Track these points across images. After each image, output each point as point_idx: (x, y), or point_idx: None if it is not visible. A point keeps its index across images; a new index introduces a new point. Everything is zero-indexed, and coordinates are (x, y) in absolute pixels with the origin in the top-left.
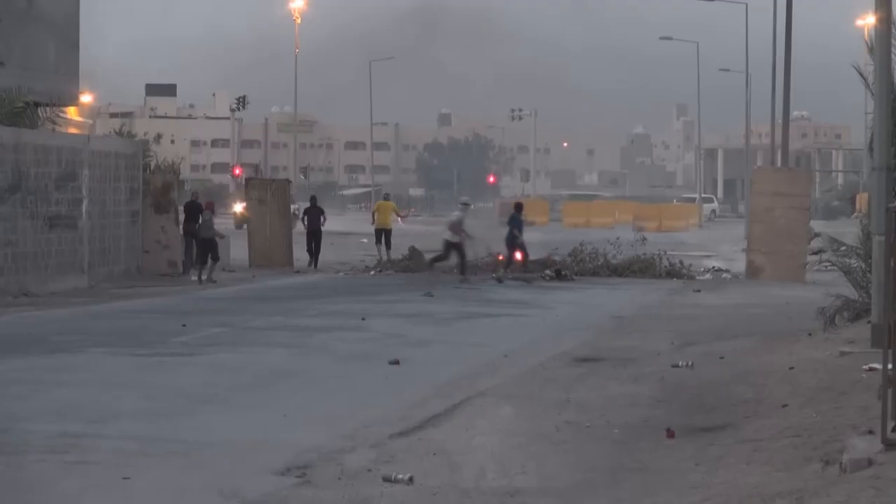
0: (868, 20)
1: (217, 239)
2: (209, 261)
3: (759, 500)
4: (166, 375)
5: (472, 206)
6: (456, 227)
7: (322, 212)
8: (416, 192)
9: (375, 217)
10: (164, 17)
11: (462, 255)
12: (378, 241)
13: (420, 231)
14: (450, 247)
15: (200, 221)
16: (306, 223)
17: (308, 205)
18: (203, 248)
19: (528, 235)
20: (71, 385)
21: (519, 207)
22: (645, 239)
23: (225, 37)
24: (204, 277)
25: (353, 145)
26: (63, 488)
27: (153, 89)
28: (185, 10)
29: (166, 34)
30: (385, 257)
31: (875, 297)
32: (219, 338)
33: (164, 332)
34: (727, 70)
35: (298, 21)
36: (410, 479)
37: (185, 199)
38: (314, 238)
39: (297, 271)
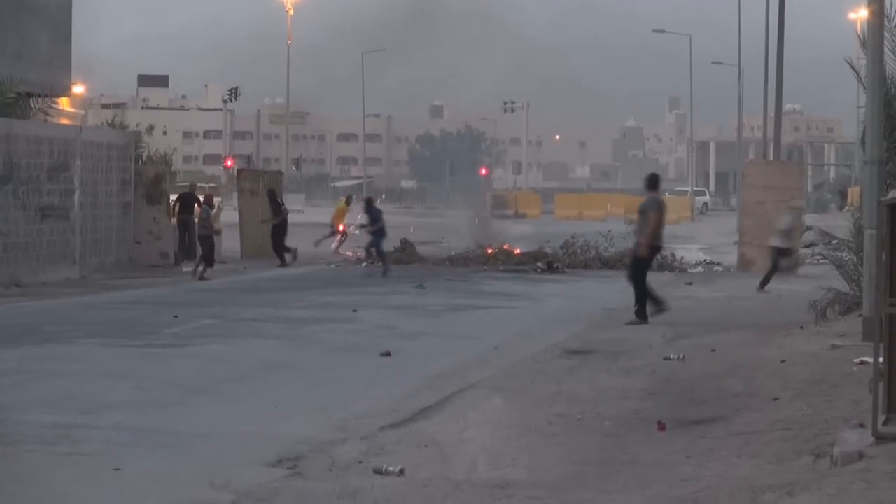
0: (860, 13)
1: (214, 237)
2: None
3: (750, 492)
4: (158, 366)
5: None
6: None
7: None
8: (408, 184)
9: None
10: (157, 8)
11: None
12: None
13: (412, 223)
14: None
15: (200, 216)
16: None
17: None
18: (202, 246)
19: (520, 227)
20: (63, 376)
21: (370, 201)
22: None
23: (218, 28)
24: (197, 276)
25: (346, 137)
26: (55, 479)
27: (145, 80)
28: (179, 2)
29: (159, 25)
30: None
31: (866, 290)
32: (210, 329)
33: (155, 323)
34: (720, 63)
35: (291, 12)
36: (401, 471)
37: (179, 190)
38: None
39: (289, 263)
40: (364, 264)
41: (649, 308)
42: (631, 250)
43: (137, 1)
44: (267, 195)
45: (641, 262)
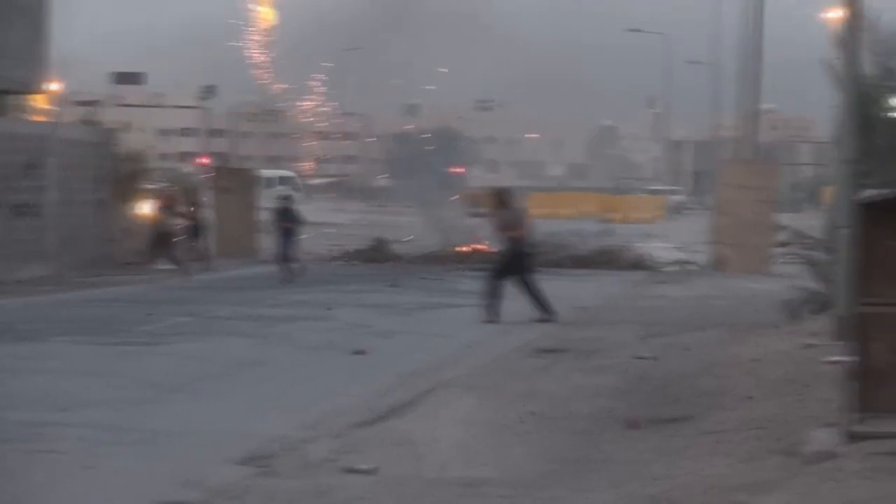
0: (835, 14)
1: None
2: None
3: (722, 491)
4: (132, 364)
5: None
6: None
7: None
8: (383, 182)
9: None
10: (134, 5)
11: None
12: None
13: (386, 221)
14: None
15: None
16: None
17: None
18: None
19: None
20: (37, 373)
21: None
22: (611, 230)
23: (195, 26)
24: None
25: (321, 135)
26: (29, 477)
27: (121, 78)
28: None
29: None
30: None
31: (840, 289)
32: (184, 327)
33: (129, 321)
34: (696, 62)
35: (267, 9)
36: (373, 469)
37: (154, 187)
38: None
39: (263, 261)
40: (338, 263)
41: (488, 311)
42: (505, 251)
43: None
44: (184, 197)
45: (513, 262)
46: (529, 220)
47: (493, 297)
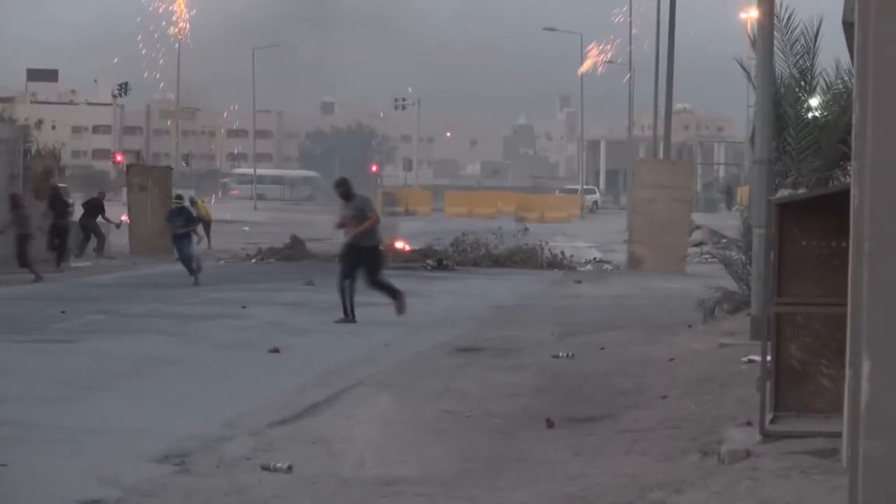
0: (751, 14)
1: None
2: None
3: (638, 489)
4: (46, 362)
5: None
6: None
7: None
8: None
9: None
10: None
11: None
12: None
13: (303, 220)
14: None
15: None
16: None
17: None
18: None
19: (410, 224)
20: None
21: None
22: (527, 229)
23: (109, 23)
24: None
25: (236, 133)
26: None
27: (34, 74)
28: None
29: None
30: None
31: (755, 289)
32: (99, 325)
33: (43, 318)
34: (611, 62)
35: (183, 8)
36: (289, 467)
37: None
38: None
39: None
40: (253, 261)
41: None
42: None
43: None
44: (51, 191)
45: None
46: (375, 213)
47: (342, 296)
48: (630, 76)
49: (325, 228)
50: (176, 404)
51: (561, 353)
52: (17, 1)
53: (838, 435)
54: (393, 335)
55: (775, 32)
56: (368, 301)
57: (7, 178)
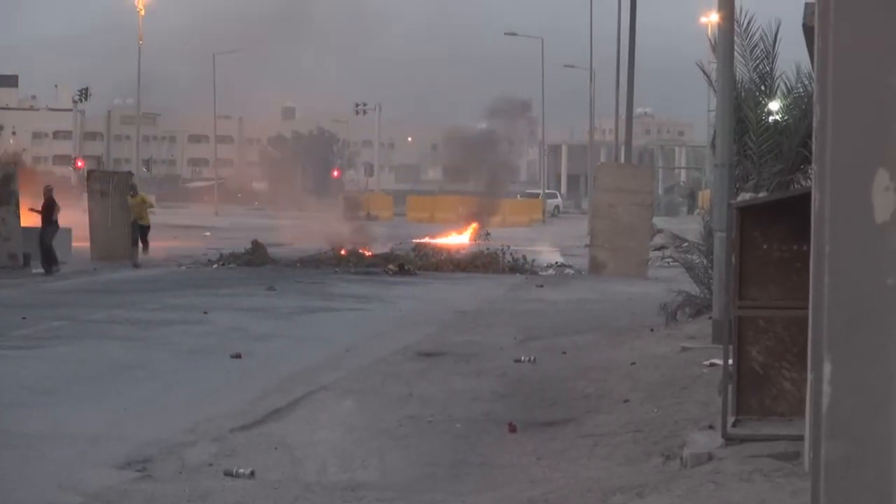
0: (711, 18)
1: None
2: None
3: (600, 493)
4: (6, 368)
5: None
6: None
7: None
8: (259, 185)
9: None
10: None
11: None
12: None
13: (263, 225)
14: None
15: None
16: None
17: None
18: None
19: (371, 229)
20: None
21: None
22: (488, 234)
23: (69, 28)
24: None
25: (197, 138)
26: None
27: None
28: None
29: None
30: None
31: (716, 293)
32: (59, 331)
33: (3, 324)
34: (572, 66)
35: (142, 13)
36: (252, 473)
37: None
38: None
39: (138, 265)
40: (215, 266)
41: None
42: None
43: None
44: (45, 195)
45: None
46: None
47: None
48: (591, 80)
49: (286, 233)
50: (138, 410)
51: (523, 358)
52: None
53: (800, 438)
54: (354, 341)
55: (735, 37)
56: (328, 307)
57: None
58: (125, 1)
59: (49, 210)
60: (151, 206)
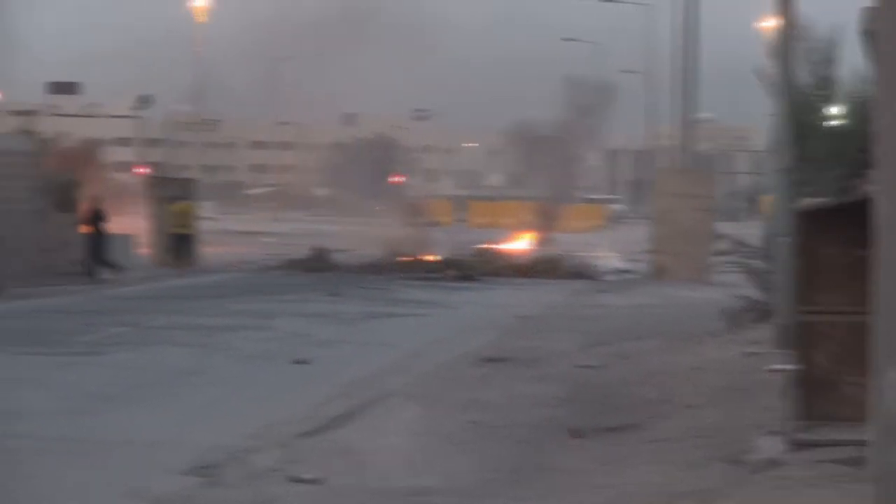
0: (769, 23)
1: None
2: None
3: (665, 499)
4: (71, 375)
5: None
6: None
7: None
8: (320, 192)
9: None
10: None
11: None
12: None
13: (324, 231)
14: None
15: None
16: None
17: None
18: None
19: (433, 235)
20: None
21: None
22: (550, 239)
23: (130, 35)
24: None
25: (258, 145)
26: None
27: (56, 87)
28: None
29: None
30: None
31: (779, 298)
32: (122, 337)
33: (68, 331)
34: (631, 72)
35: (202, 20)
36: (317, 478)
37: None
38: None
39: (203, 270)
40: (277, 272)
41: None
42: None
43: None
44: (91, 205)
45: None
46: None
47: None
48: (650, 85)
49: (347, 239)
50: (202, 416)
51: (586, 363)
52: (38, 14)
53: (865, 443)
54: (417, 346)
55: (793, 41)
56: (391, 312)
57: (28, 191)
58: (185, 8)
59: (97, 220)
60: (195, 213)
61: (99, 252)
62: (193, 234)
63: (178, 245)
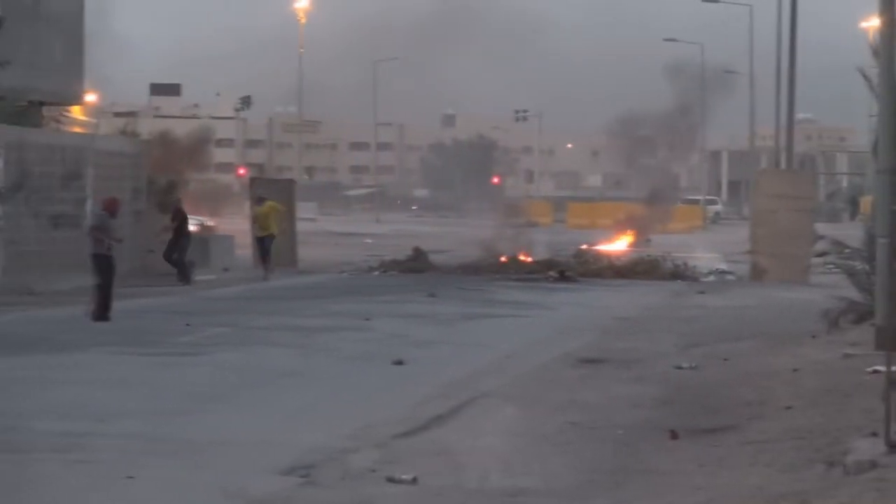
0: (872, 23)
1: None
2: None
3: (763, 501)
4: (170, 375)
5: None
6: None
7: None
8: (419, 192)
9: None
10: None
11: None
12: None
13: (423, 232)
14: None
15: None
16: None
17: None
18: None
19: (532, 236)
20: (75, 384)
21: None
22: (649, 240)
23: (231, 37)
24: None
25: (358, 146)
26: (66, 486)
27: (157, 89)
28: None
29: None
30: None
31: (879, 299)
32: (222, 338)
33: (167, 331)
34: (732, 72)
35: (303, 21)
36: (414, 479)
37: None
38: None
39: (302, 271)
40: (376, 273)
41: None
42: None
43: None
44: (173, 207)
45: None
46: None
47: None
48: (751, 85)
49: (446, 240)
50: (300, 416)
51: (684, 364)
52: (140, 17)
53: None
54: (515, 347)
55: None
56: (489, 313)
57: (131, 191)
58: (286, 9)
59: (180, 223)
60: (282, 214)
61: (170, 252)
62: (276, 235)
63: (261, 246)
